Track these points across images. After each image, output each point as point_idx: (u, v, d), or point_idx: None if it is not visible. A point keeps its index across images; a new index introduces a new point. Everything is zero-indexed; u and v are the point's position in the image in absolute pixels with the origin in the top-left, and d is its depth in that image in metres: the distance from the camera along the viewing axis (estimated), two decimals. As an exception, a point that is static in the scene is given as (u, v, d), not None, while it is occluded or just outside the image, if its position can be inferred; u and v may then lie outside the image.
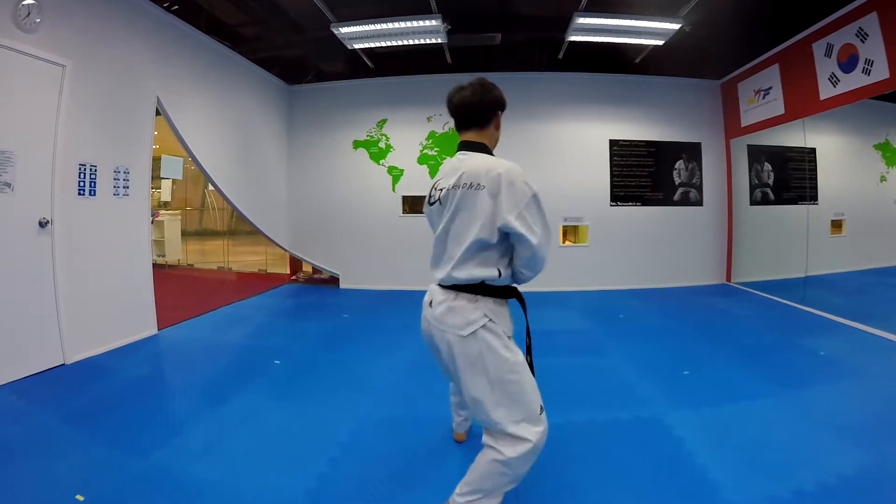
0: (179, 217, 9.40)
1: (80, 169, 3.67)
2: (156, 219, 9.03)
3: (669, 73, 6.54)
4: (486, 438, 1.59)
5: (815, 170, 6.99)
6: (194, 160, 4.95)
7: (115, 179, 3.99)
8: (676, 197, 6.62)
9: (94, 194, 3.80)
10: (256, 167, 6.10)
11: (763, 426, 2.50)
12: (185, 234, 9.84)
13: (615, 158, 6.46)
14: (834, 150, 6.80)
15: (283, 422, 2.57)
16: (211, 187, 6.78)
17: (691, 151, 6.69)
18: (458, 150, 1.70)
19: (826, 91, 4.98)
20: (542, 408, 1.59)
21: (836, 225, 6.86)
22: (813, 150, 7.01)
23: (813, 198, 6.88)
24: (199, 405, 2.80)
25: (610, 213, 6.43)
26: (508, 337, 1.65)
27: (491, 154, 1.68)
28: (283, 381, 3.18)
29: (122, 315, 4.03)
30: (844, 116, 5.80)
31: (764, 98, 6.05)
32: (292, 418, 2.62)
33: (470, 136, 1.71)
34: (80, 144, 3.66)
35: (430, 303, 1.68)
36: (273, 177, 6.52)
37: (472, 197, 1.51)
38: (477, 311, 1.56)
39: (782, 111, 5.72)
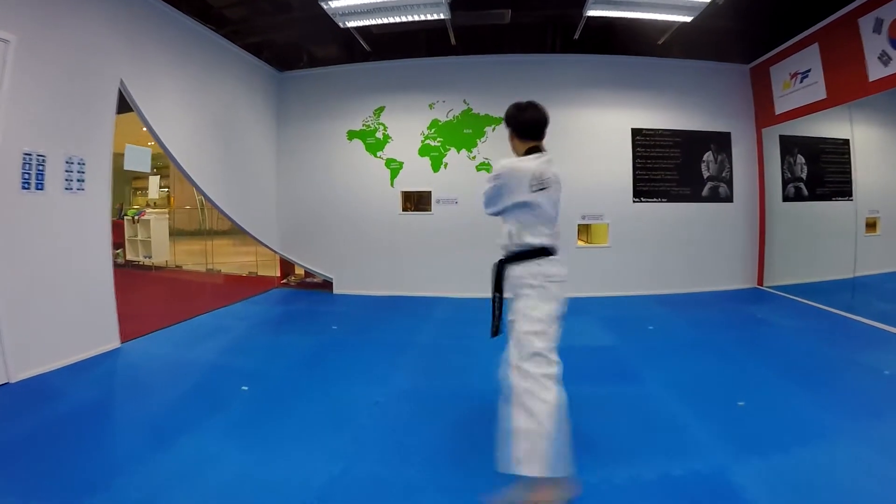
0: (167, 216, 8.88)
1: (24, 159, 3.17)
2: (141, 218, 8.56)
3: (695, 56, 5.93)
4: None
5: (848, 163, 6.49)
6: (166, 151, 4.42)
7: (66, 172, 3.47)
8: (705, 192, 6.01)
9: (42, 188, 3.29)
10: (242, 160, 5.57)
11: (851, 477, 1.95)
12: (175, 234, 9.35)
13: (638, 149, 5.85)
14: (868, 141, 6.25)
15: (236, 476, 1.99)
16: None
17: (720, 142, 6.08)
18: (536, 153, 2.10)
19: (876, 71, 4.43)
20: None
21: (870, 223, 6.34)
22: (846, 142, 6.51)
23: (847, 193, 6.35)
24: (140, 446, 2.24)
25: (633, 210, 5.82)
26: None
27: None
28: (247, 417, 2.59)
29: (78, 327, 3.52)
30: (880, 104, 5.40)
31: (802, 82, 5.47)
32: (250, 470, 2.04)
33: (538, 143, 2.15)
34: (26, 131, 3.17)
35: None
36: (261, 171, 5.97)
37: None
38: None
39: (824, 95, 5.16)
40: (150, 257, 8.44)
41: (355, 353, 3.73)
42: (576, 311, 4.96)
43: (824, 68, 5.08)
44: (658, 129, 5.86)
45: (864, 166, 6.27)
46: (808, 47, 5.25)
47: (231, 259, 8.45)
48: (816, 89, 5.22)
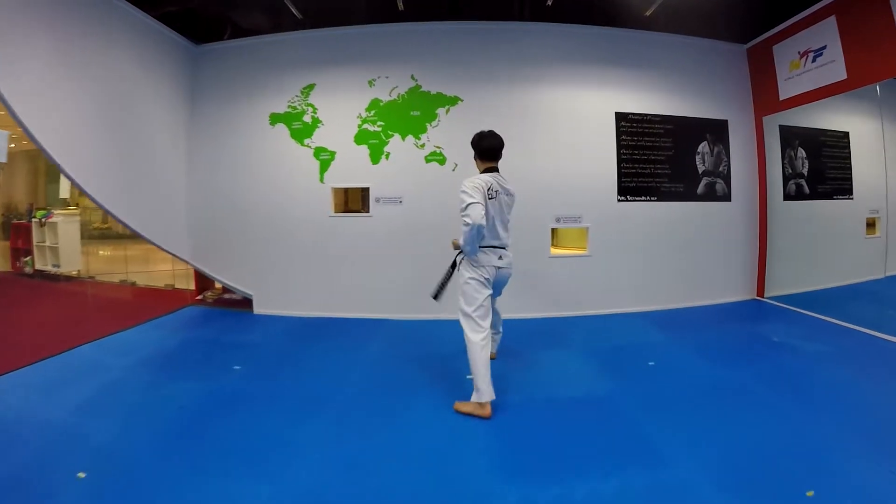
0: (78, 218, 7.60)
1: None
2: (48, 220, 7.29)
3: (688, 31, 5.02)
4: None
5: (849, 158, 5.88)
6: (29, 135, 3.29)
7: None
8: (700, 189, 5.09)
9: None
10: (142, 150, 4.45)
11: None
12: (93, 239, 8.08)
13: (623, 137, 4.86)
14: (869, 134, 5.84)
15: None
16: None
17: (717, 131, 5.18)
18: (491, 172, 2.73)
19: (910, 46, 3.70)
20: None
21: (870, 224, 5.96)
22: (846, 135, 5.83)
23: (848, 191, 5.82)
24: None
25: (617, 210, 4.83)
26: None
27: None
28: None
29: None
30: (882, 94, 5.19)
31: (815, 61, 4.65)
32: None
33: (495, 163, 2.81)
34: None
35: (501, 257, 2.75)
36: (168, 163, 4.82)
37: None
38: None
39: (844, 76, 4.35)
40: (58, 266, 7.17)
41: (250, 416, 2.64)
42: (552, 339, 4.00)
43: (843, 44, 4.32)
44: (646, 115, 4.90)
45: (863, 161, 5.82)
46: (823, 21, 4.48)
47: (150, 268, 7.22)
48: (834, 69, 4.42)
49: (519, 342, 3.81)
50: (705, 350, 3.61)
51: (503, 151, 2.76)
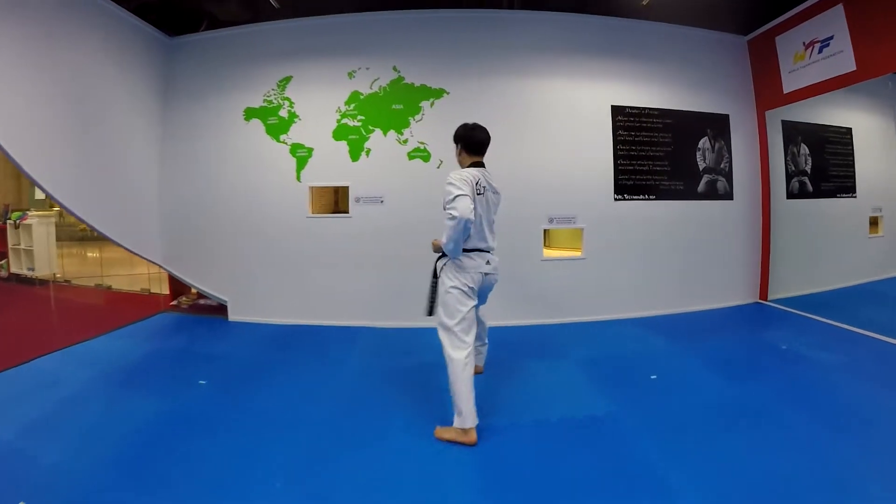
0: (53, 219, 7.31)
1: None
2: (23, 222, 6.99)
3: (687, 21, 4.76)
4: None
5: (851, 155, 5.67)
6: None
7: None
8: (701, 188, 4.83)
9: None
10: (111, 148, 4.19)
11: None
12: (69, 241, 7.79)
13: (620, 133, 4.59)
14: (872, 130, 5.65)
15: None
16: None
17: (718, 126, 4.92)
18: (478, 167, 2.49)
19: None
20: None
21: (873, 222, 5.77)
22: (849, 131, 5.61)
23: (851, 189, 5.62)
24: None
25: (614, 210, 4.55)
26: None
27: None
28: None
29: None
30: (886, 90, 4.91)
31: (821, 52, 4.43)
32: None
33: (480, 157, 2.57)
34: None
35: (488, 262, 2.48)
36: (139, 161, 4.55)
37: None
38: None
39: (853, 67, 4.13)
40: (32, 269, 6.89)
41: (210, 440, 2.38)
42: (543, 349, 3.66)
43: (852, 34, 4.11)
44: (644, 108, 4.63)
45: (866, 158, 5.62)
46: (830, 10, 4.27)
47: (129, 271, 6.93)
48: (842, 60, 4.20)
49: (507, 353, 3.53)
50: (710, 361, 3.34)
51: (489, 147, 2.56)
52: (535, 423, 2.49)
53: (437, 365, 3.12)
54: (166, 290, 5.74)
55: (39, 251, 6.93)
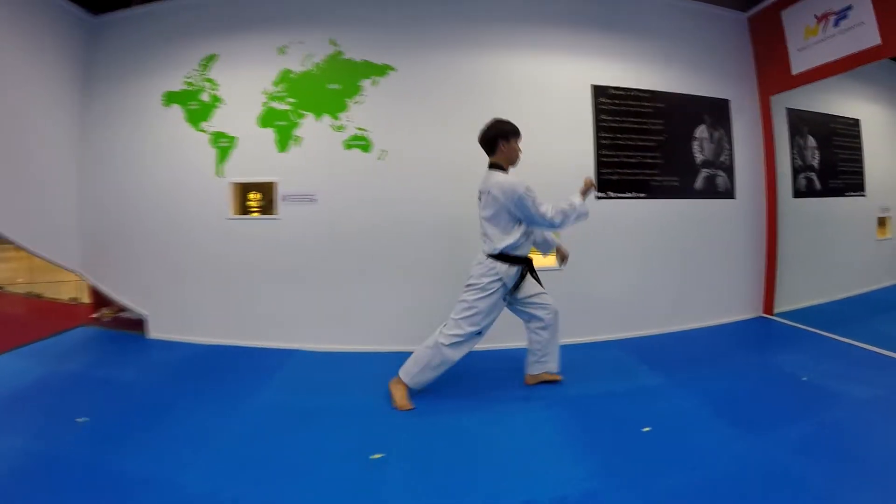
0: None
1: None
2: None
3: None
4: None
5: (860, 149, 5.20)
6: None
7: None
8: (698, 184, 4.15)
9: None
10: (20, 139, 3.60)
11: None
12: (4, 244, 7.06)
13: (603, 117, 3.88)
14: (878, 123, 5.24)
15: None
16: None
17: (717, 113, 4.26)
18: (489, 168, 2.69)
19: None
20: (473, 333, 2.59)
21: (880, 223, 5.40)
22: (857, 122, 5.15)
23: (860, 187, 5.18)
24: None
25: (597, 210, 3.80)
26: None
27: (503, 170, 2.71)
28: None
29: None
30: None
31: (837, 25, 3.78)
32: None
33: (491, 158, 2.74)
34: None
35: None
36: (54, 155, 3.93)
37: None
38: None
39: (878, 40, 3.50)
40: (-39, 276, 6.17)
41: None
42: (502, 386, 2.88)
43: (875, 2, 3.48)
44: (631, 90, 3.94)
45: (875, 153, 5.19)
46: None
47: (59, 277, 6.27)
48: (864, 33, 3.58)
49: (453, 390, 2.81)
50: (717, 401, 2.61)
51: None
52: None
53: (362, 408, 2.46)
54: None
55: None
